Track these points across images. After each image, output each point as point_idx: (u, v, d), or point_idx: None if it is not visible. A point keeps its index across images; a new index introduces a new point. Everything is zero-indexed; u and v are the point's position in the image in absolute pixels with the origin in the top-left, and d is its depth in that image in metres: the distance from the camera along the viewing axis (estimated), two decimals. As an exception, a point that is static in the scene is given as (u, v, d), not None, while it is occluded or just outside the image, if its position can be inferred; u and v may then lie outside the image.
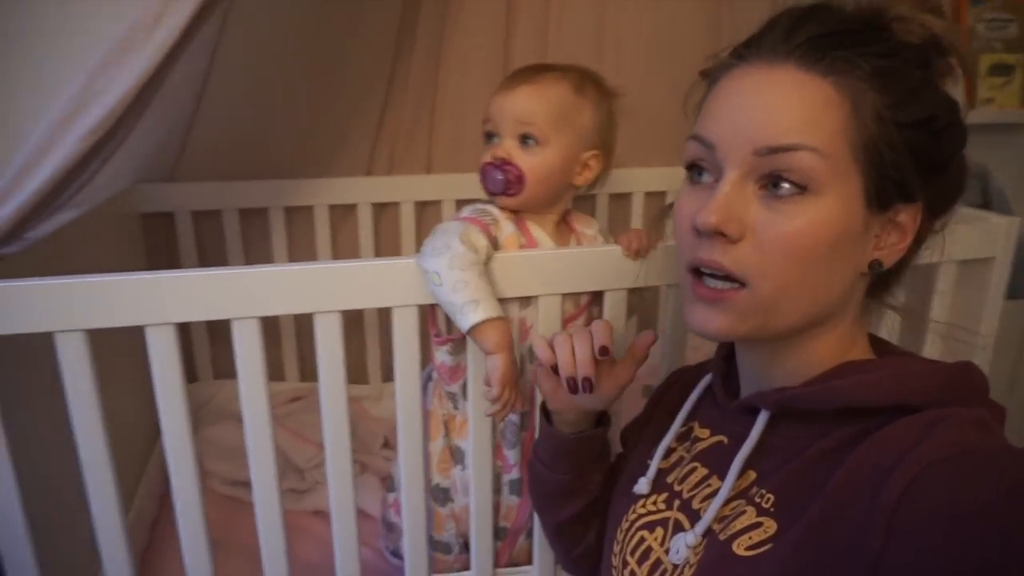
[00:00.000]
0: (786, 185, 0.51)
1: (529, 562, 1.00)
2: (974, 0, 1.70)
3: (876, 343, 0.63)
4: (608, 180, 1.00)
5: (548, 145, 0.89)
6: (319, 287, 0.80)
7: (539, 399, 0.87)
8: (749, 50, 0.56)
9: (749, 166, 0.53)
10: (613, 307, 0.89)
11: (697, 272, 0.56)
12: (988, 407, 0.53)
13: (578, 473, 0.78)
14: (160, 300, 0.76)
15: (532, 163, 0.89)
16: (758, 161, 0.52)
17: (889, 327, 0.80)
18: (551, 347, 0.71)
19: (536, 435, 0.86)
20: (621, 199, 1.62)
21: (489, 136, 0.92)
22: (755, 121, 0.52)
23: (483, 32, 1.44)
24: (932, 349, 1.04)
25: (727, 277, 0.54)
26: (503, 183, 0.88)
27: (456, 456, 0.96)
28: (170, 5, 0.70)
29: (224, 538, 1.15)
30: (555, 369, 0.71)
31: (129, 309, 0.76)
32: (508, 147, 0.89)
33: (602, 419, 0.79)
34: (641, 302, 1.00)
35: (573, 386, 0.69)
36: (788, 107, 0.52)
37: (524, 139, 0.89)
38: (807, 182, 0.51)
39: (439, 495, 0.98)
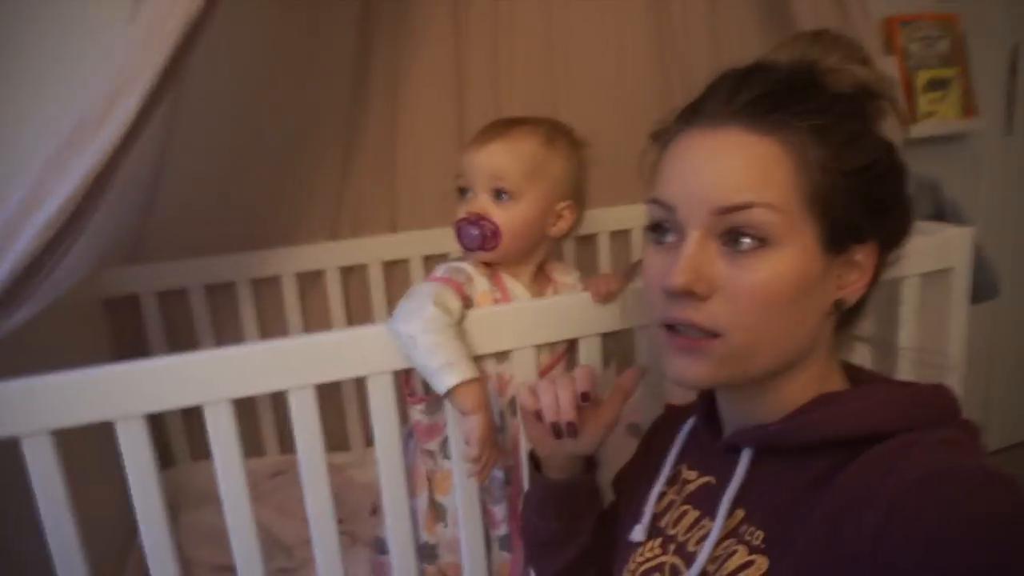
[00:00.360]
0: (746, 240, 0.54)
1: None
2: (904, 22, 1.78)
3: (851, 371, 0.64)
4: (607, 217, 1.00)
5: (522, 199, 0.90)
6: (290, 363, 0.79)
7: (526, 448, 0.87)
8: (694, 115, 0.59)
9: (709, 225, 0.55)
10: (588, 353, 0.89)
11: (670, 327, 0.57)
12: (961, 426, 0.55)
13: (568, 520, 0.78)
14: (128, 392, 0.75)
15: (507, 217, 0.89)
16: (717, 220, 0.55)
17: (862, 354, 0.82)
18: (534, 394, 0.72)
19: (523, 488, 0.86)
20: (587, 241, 1.63)
21: (462, 191, 0.93)
22: (709, 183, 0.55)
23: (435, 85, 1.46)
24: (904, 371, 1.05)
25: (699, 330, 0.55)
26: (479, 238, 0.89)
27: (439, 513, 0.95)
28: (117, 101, 0.70)
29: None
30: (539, 415, 0.72)
31: (96, 405, 0.74)
32: (482, 202, 0.90)
33: (590, 464, 0.79)
34: (618, 346, 1.00)
35: (557, 431, 0.71)
36: (738, 167, 0.55)
37: (498, 194, 0.90)
38: (765, 235, 0.54)
39: (427, 552, 0.96)
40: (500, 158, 0.89)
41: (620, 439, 0.95)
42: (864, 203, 0.56)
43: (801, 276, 0.54)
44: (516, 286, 0.93)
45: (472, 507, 0.88)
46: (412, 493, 0.96)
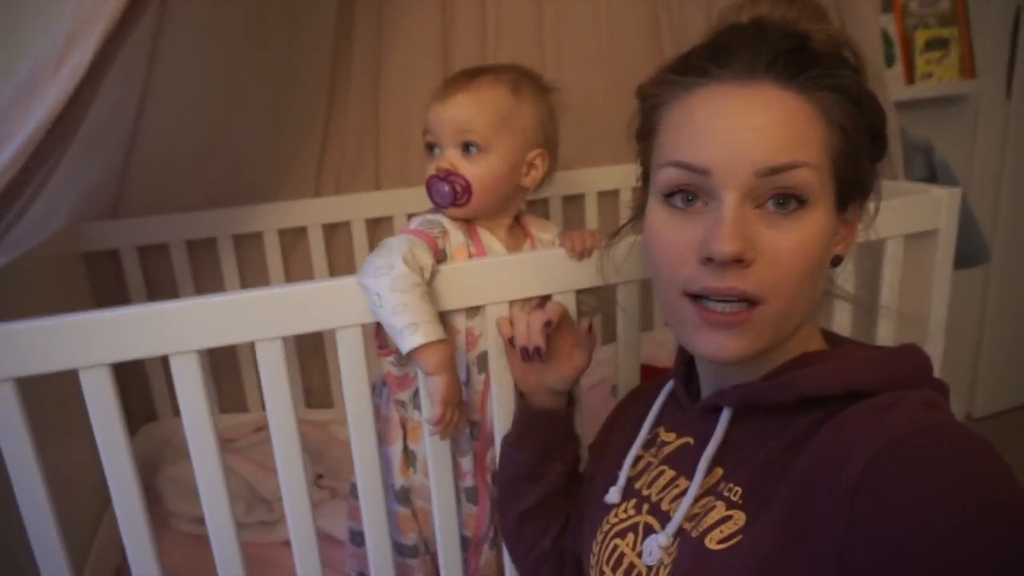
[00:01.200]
0: (786, 201, 0.53)
1: (498, 575, 0.99)
2: (904, -22, 1.73)
3: (827, 335, 0.65)
4: (559, 182, 0.99)
5: (491, 151, 0.87)
6: (257, 315, 0.78)
7: (496, 403, 0.87)
8: (719, 68, 0.55)
9: (748, 187, 0.53)
10: (562, 310, 0.88)
11: (697, 296, 0.55)
12: (933, 386, 0.55)
13: (542, 455, 0.82)
14: (91, 341, 0.74)
15: (477, 171, 0.87)
16: (758, 182, 0.53)
17: (843, 316, 0.81)
18: (509, 324, 0.81)
19: (491, 442, 0.89)
20: (574, 200, 1.61)
21: (430, 147, 0.90)
22: (751, 142, 0.53)
23: (421, 41, 1.43)
24: (885, 331, 1.04)
25: (742, 299, 0.54)
26: (450, 195, 0.87)
27: (409, 459, 0.95)
28: (73, 47, 0.68)
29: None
30: (513, 343, 0.79)
31: (59, 353, 0.73)
32: (451, 157, 0.87)
33: (571, 400, 0.85)
34: (598, 304, 0.99)
35: (526, 354, 0.77)
36: (779, 125, 0.53)
37: (466, 147, 0.87)
38: (806, 196, 0.53)
39: (402, 496, 0.97)
40: (466, 111, 0.86)
41: (604, 401, 0.95)
42: (871, 160, 0.58)
43: (826, 235, 0.55)
44: (492, 240, 0.91)
45: (443, 458, 0.88)
46: (387, 441, 0.96)
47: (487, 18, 1.46)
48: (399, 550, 0.97)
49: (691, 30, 1.45)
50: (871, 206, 0.63)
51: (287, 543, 1.21)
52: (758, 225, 0.53)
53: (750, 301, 0.53)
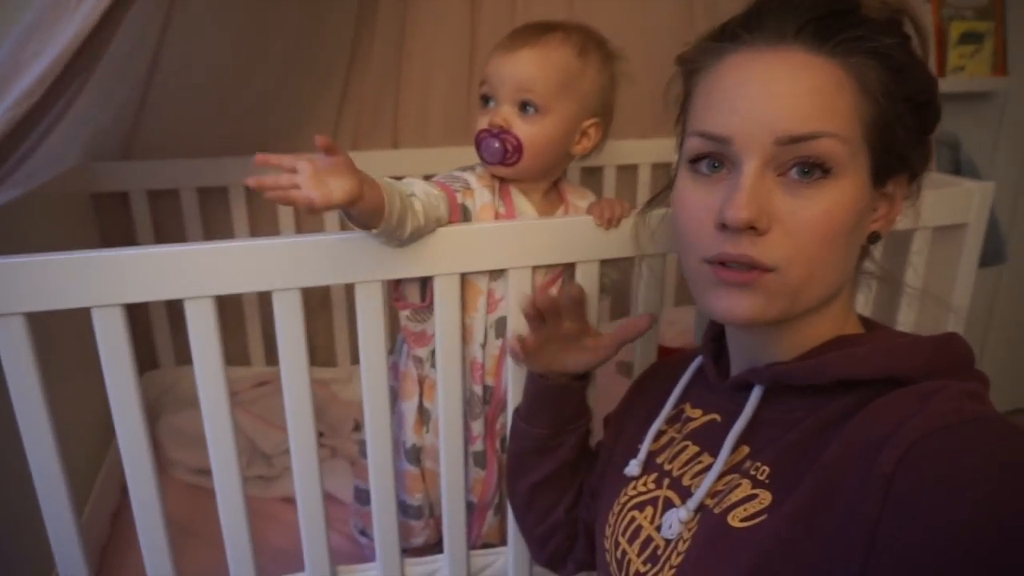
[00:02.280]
0: (808, 170, 0.52)
1: (501, 542, 0.98)
2: (944, -33, 1.69)
3: (865, 321, 0.63)
4: (614, 151, 0.95)
5: (549, 113, 0.84)
6: (276, 263, 0.76)
7: (509, 368, 0.85)
8: (749, 33, 0.54)
9: (769, 155, 0.52)
10: (585, 279, 0.86)
11: (719, 263, 0.54)
12: (975, 377, 0.54)
13: (555, 429, 0.81)
14: (106, 280, 0.72)
15: (531, 132, 0.84)
16: (779, 150, 0.52)
17: (863, 298, 0.79)
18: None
19: (503, 407, 0.89)
20: (627, 171, 1.58)
21: (485, 99, 0.87)
22: (773, 110, 0.52)
23: (449, 6, 1.39)
24: (906, 317, 1.03)
25: (752, 266, 0.53)
26: (500, 152, 0.84)
27: (424, 418, 0.94)
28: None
29: (190, 527, 1.12)
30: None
31: (73, 290, 0.71)
32: (506, 114, 0.84)
33: (583, 376, 0.83)
34: (621, 280, 0.97)
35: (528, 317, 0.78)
36: (804, 92, 0.51)
37: (524, 106, 0.84)
38: (831, 166, 0.51)
39: (413, 454, 0.95)
40: (529, 68, 0.82)
41: (610, 378, 0.94)
42: (914, 132, 0.55)
43: (856, 208, 0.53)
44: (524, 203, 0.89)
45: (454, 418, 0.87)
46: (402, 397, 0.94)
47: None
48: (404, 510, 0.96)
49: (725, 7, 1.41)
50: (914, 186, 0.59)
51: (286, 499, 1.22)
52: (778, 193, 0.52)
53: (761, 268, 0.52)
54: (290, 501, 1.22)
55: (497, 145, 0.83)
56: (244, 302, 1.48)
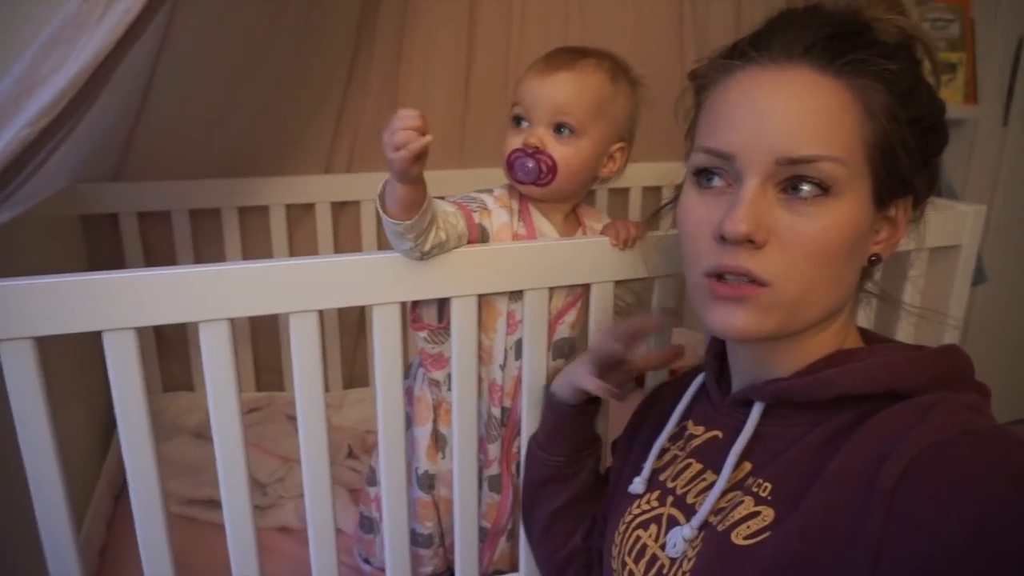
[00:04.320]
0: (807, 187, 0.52)
1: (512, 568, 0.96)
2: (919, 0, 1.76)
3: (865, 333, 0.64)
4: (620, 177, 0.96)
5: (583, 136, 0.85)
6: (294, 285, 0.75)
7: (528, 388, 0.84)
8: (757, 51, 0.55)
9: (770, 173, 0.53)
10: (601, 300, 0.86)
11: (716, 276, 0.55)
12: (976, 389, 0.55)
13: (573, 455, 0.80)
14: (119, 303, 0.70)
15: (566, 153, 0.84)
16: (779, 169, 0.52)
17: (863, 314, 0.80)
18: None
19: (519, 429, 0.88)
20: (619, 194, 1.61)
21: (518, 120, 0.87)
22: (775, 130, 0.52)
23: (446, 26, 1.40)
24: (904, 333, 1.05)
25: (748, 280, 0.53)
26: (535, 172, 0.84)
27: (439, 443, 0.93)
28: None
29: (182, 559, 1.08)
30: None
31: (84, 313, 0.69)
32: (541, 135, 0.84)
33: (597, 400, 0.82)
34: (635, 303, 0.97)
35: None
36: (807, 113, 0.52)
37: (559, 128, 0.85)
38: (830, 185, 0.52)
39: (425, 481, 0.94)
40: (567, 91, 0.83)
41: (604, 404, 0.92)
42: (918, 155, 0.55)
43: (855, 228, 0.54)
44: (545, 225, 0.89)
45: (469, 443, 0.86)
46: (416, 422, 0.93)
47: (513, 8, 1.44)
48: (413, 539, 0.94)
49: (714, 32, 1.45)
50: (918, 210, 0.60)
51: (281, 529, 1.19)
52: (778, 208, 0.53)
53: (757, 282, 0.53)
54: (286, 531, 1.19)
55: (532, 165, 0.84)
56: (235, 327, 1.44)
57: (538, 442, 0.83)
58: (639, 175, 1.58)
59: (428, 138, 0.66)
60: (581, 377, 0.76)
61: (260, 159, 1.39)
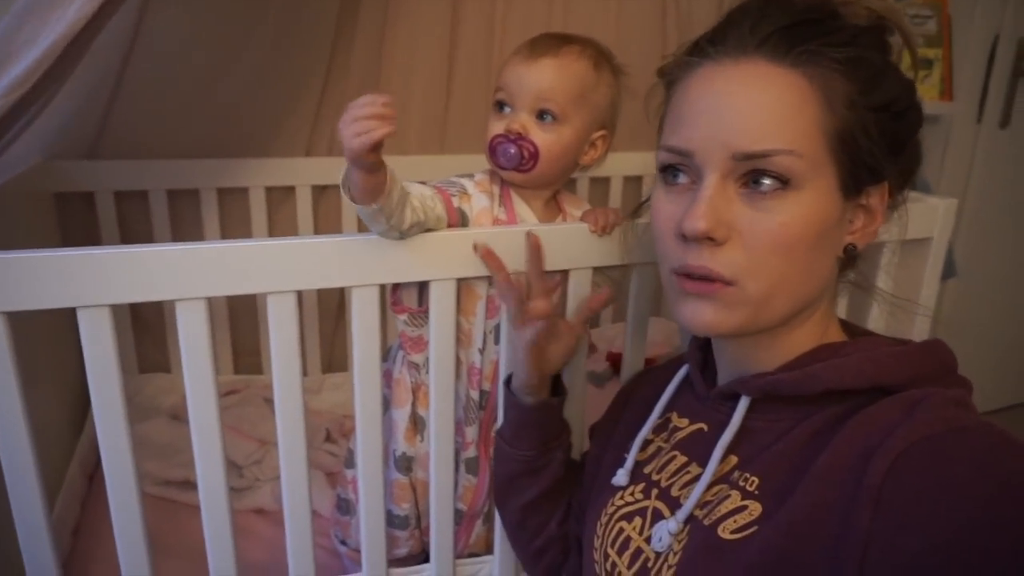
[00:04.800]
0: (767, 181, 0.52)
1: (487, 551, 0.97)
2: (898, -4, 1.78)
3: (847, 326, 0.64)
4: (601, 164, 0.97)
5: (565, 123, 0.85)
6: (272, 265, 0.74)
7: (502, 376, 0.85)
8: (714, 47, 0.55)
9: (728, 168, 0.53)
10: (579, 286, 0.87)
11: (684, 274, 0.55)
12: (959, 383, 0.55)
13: (540, 449, 0.79)
14: (94, 280, 0.69)
15: (548, 140, 0.85)
16: (737, 164, 0.52)
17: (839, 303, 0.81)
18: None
19: (497, 414, 0.87)
20: (600, 183, 1.61)
21: (501, 105, 0.87)
22: (729, 126, 0.52)
23: (429, 11, 1.39)
24: (875, 324, 1.07)
25: (712, 279, 0.53)
26: (517, 158, 0.84)
27: (418, 426, 0.93)
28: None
29: (157, 539, 1.07)
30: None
31: (59, 290, 0.68)
32: (524, 121, 0.85)
33: (557, 391, 0.82)
34: (615, 291, 0.97)
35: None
36: (762, 106, 0.52)
37: (541, 114, 0.85)
38: (790, 177, 0.52)
39: (403, 463, 0.94)
40: (550, 77, 0.84)
41: (580, 389, 0.93)
42: (886, 141, 0.54)
43: (821, 220, 0.53)
44: (526, 210, 0.89)
45: (446, 425, 0.86)
46: (395, 404, 0.93)
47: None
48: (389, 520, 0.95)
49: (697, 22, 1.46)
50: (898, 198, 0.59)
51: (258, 511, 1.19)
52: (739, 203, 0.53)
53: (721, 281, 0.53)
54: (262, 513, 1.19)
55: (514, 151, 0.84)
56: (213, 309, 1.43)
57: (505, 439, 0.82)
58: (621, 164, 1.59)
59: (388, 128, 0.64)
60: (521, 348, 0.76)
61: (241, 140, 1.38)
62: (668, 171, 0.57)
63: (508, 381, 0.81)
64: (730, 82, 0.53)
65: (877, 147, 0.53)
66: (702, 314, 0.54)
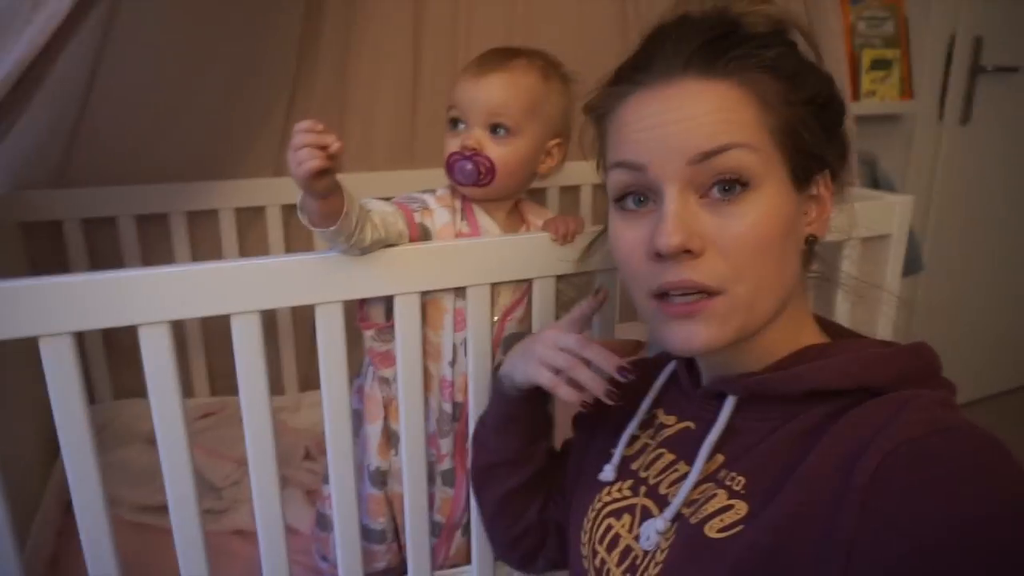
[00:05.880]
0: (727, 186, 0.53)
1: (468, 562, 0.98)
2: (853, 0, 1.82)
3: (823, 323, 0.64)
4: (557, 172, 0.98)
5: (519, 135, 0.87)
6: (234, 286, 0.75)
7: (476, 384, 0.86)
8: (641, 73, 0.56)
9: (687, 178, 0.53)
10: (543, 295, 0.88)
11: (662, 295, 0.55)
12: (943, 385, 0.56)
13: (527, 440, 0.78)
14: (55, 308, 0.69)
15: (503, 153, 0.86)
16: (694, 170, 0.53)
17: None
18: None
19: (470, 425, 0.87)
20: (570, 191, 1.62)
21: (455, 123, 0.89)
22: (680, 133, 0.53)
23: (392, 25, 1.41)
24: (842, 316, 1.09)
25: (699, 291, 0.53)
26: (474, 174, 0.85)
27: (391, 440, 0.94)
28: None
29: (135, 565, 1.07)
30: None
31: (20, 319, 0.69)
32: (478, 136, 0.86)
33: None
34: (577, 296, 0.98)
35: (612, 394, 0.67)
36: (706, 113, 0.53)
37: (495, 128, 0.86)
38: (748, 178, 0.53)
39: (377, 478, 0.94)
40: (500, 92, 0.85)
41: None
42: (821, 130, 0.57)
43: (783, 215, 0.54)
44: (488, 222, 0.91)
45: (417, 438, 0.87)
46: (368, 419, 0.94)
47: (459, 14, 1.45)
48: (366, 535, 0.95)
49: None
50: (840, 183, 0.61)
51: (237, 532, 1.18)
52: (704, 215, 0.53)
53: (708, 292, 0.53)
54: (241, 534, 1.19)
55: (470, 167, 0.85)
56: (187, 331, 1.43)
57: (490, 428, 0.81)
58: (589, 173, 1.60)
59: (320, 162, 0.64)
60: (536, 373, 0.72)
61: (208, 163, 1.38)
62: (624, 199, 0.57)
63: (497, 368, 0.80)
64: (668, 100, 0.54)
65: (816, 136, 0.56)
66: (695, 336, 0.54)
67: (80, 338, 0.72)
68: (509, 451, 0.79)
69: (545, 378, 0.71)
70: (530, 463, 0.80)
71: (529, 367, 0.73)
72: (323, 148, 0.64)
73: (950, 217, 2.19)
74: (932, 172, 2.14)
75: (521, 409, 0.78)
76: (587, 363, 0.70)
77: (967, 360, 2.29)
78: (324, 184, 0.67)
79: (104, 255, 1.35)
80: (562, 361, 0.70)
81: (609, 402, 0.67)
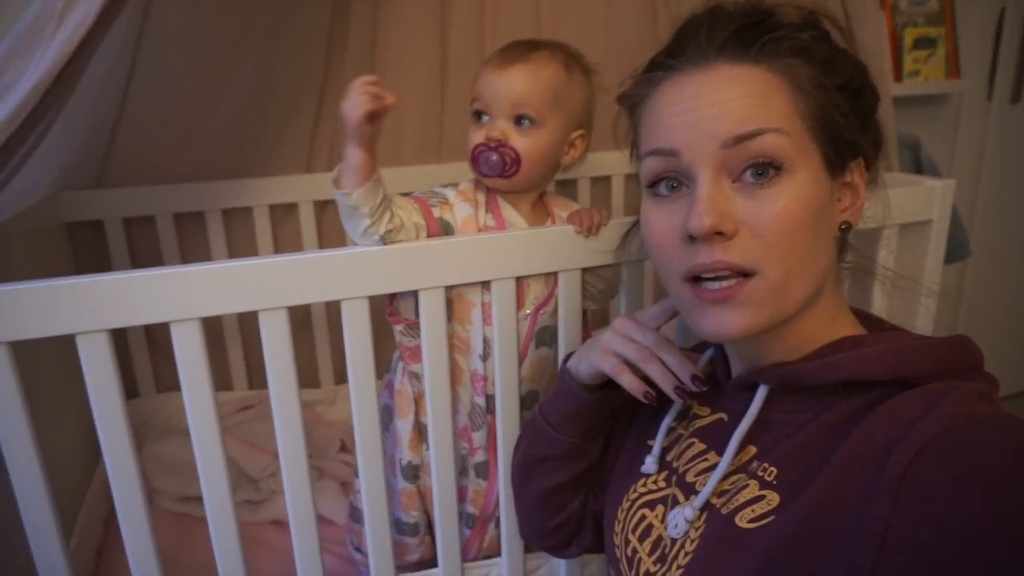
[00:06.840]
0: (760, 170, 0.53)
1: (500, 553, 0.98)
2: (895, -24, 1.76)
3: (861, 316, 0.63)
4: (588, 163, 0.98)
5: (543, 126, 0.87)
6: (261, 283, 0.76)
7: (502, 374, 0.85)
8: (675, 59, 0.57)
9: (720, 162, 0.53)
10: (569, 288, 0.87)
11: (695, 280, 0.55)
12: (985, 378, 0.54)
13: (585, 437, 0.76)
14: (90, 306, 0.71)
15: (528, 144, 0.86)
16: (727, 154, 0.53)
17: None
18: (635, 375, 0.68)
19: (502, 416, 0.86)
20: (601, 181, 1.61)
21: (479, 115, 0.89)
22: (713, 117, 0.53)
23: (418, 19, 1.41)
24: (879, 306, 1.06)
25: (733, 273, 0.53)
26: (500, 165, 0.86)
27: (423, 434, 0.94)
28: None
29: (177, 556, 1.10)
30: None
31: (57, 318, 0.71)
32: (503, 128, 0.86)
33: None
34: (606, 289, 0.97)
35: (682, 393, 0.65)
36: (739, 98, 0.53)
37: (519, 119, 0.87)
38: (781, 161, 0.53)
39: (409, 472, 0.95)
40: (523, 83, 0.85)
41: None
42: (856, 117, 0.56)
43: (817, 199, 0.54)
44: (514, 215, 0.91)
45: (444, 431, 0.87)
46: (399, 414, 0.95)
47: (485, 6, 1.45)
48: (399, 528, 0.96)
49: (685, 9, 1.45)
50: (874, 171, 0.61)
51: (275, 522, 1.21)
52: (737, 198, 0.53)
53: (743, 273, 0.53)
54: (279, 524, 1.22)
55: (496, 158, 0.85)
56: (225, 326, 1.47)
57: (548, 420, 0.76)
58: (620, 163, 1.59)
59: (376, 103, 0.72)
60: (600, 360, 0.69)
61: (241, 160, 1.40)
62: (657, 185, 0.57)
63: (565, 361, 0.77)
64: (701, 85, 0.55)
65: (851, 122, 0.56)
66: (728, 321, 0.54)
67: (122, 334, 0.74)
68: (567, 446, 0.76)
69: (608, 364, 0.68)
70: (583, 460, 0.77)
71: (593, 355, 0.70)
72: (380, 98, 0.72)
73: (999, 202, 2.11)
74: (980, 155, 2.06)
75: (584, 406, 0.74)
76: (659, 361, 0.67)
77: (1016, 350, 2.21)
78: (371, 131, 0.74)
79: (145, 253, 1.39)
80: (632, 352, 0.67)
81: (678, 401, 0.65)
